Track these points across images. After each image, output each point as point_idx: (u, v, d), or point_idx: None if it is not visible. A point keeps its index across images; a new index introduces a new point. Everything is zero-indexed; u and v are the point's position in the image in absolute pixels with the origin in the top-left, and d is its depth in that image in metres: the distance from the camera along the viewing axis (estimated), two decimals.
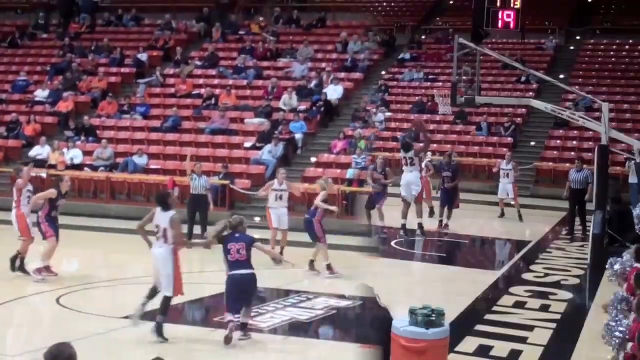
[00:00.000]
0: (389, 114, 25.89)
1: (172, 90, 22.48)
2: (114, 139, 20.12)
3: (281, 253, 12.19)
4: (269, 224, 13.05)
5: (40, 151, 19.20)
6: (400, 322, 5.20)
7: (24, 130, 20.62)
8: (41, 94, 22.40)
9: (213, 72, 23.30)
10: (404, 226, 13.88)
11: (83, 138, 19.90)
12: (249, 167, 18.40)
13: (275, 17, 26.19)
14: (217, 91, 21.76)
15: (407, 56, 30.03)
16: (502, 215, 17.83)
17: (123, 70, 23.94)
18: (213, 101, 21.16)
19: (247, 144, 19.30)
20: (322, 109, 20.98)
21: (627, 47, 28.49)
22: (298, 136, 19.60)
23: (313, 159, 18.96)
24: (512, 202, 18.13)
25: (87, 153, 19.08)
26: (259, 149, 18.73)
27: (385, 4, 36.82)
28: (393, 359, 5.17)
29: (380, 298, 5.45)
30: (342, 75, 23.53)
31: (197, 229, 13.96)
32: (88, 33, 26.18)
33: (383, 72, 29.35)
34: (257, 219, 14.64)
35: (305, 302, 10.22)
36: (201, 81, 22.78)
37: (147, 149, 19.26)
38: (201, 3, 26.73)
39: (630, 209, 14.05)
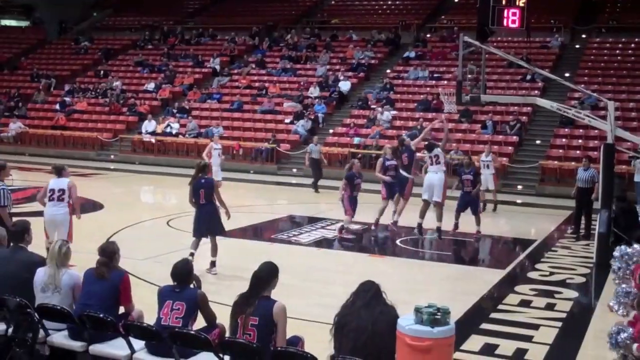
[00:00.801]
0: (394, 112, 25.99)
1: (236, 83, 30.72)
2: (198, 116, 28.27)
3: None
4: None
5: (148, 125, 27.71)
6: (406, 321, 5.18)
7: (138, 109, 29.42)
8: (149, 85, 31.42)
9: (263, 71, 31.28)
10: (419, 225, 13.73)
11: (179, 115, 28.22)
12: (288, 135, 26.06)
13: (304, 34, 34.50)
14: (266, 84, 29.70)
15: (412, 54, 30.13)
16: (484, 208, 17.76)
17: (203, 70, 32.32)
18: (263, 91, 29.23)
19: (287, 120, 27.01)
20: (337, 97, 28.06)
21: (632, 45, 28.37)
22: (320, 115, 27.04)
23: (331, 131, 26.16)
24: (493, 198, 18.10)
25: (181, 125, 27.51)
26: (295, 123, 26.15)
27: (390, 3, 36.87)
28: (398, 358, 5.17)
29: (386, 295, 5.43)
30: (350, 74, 29.69)
31: None
32: (179, 45, 35.42)
33: (388, 71, 29.50)
34: (294, 170, 24.22)
35: (330, 226, 15.19)
36: (255, 77, 30.78)
37: (220, 123, 27.16)
38: (254, 24, 35.53)
39: (635, 207, 14.09)
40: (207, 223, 10.74)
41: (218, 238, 10.92)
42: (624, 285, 7.49)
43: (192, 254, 10.38)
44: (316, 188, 21.07)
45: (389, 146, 15.84)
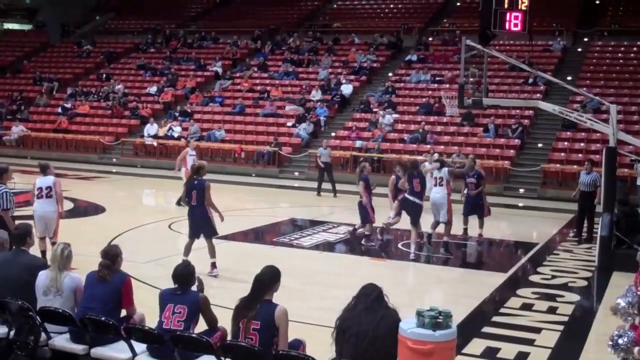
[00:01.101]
0: (395, 115, 26.00)
1: (238, 87, 30.74)
2: (200, 119, 28.27)
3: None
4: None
5: (150, 128, 27.76)
6: (407, 324, 5.18)
7: (140, 113, 29.47)
8: (152, 89, 31.35)
9: (265, 75, 31.22)
10: (429, 235, 13.53)
11: (181, 118, 28.30)
12: (290, 139, 26.10)
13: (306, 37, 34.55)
14: (268, 88, 29.74)
15: (414, 58, 30.14)
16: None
17: (205, 73, 32.41)
18: (265, 95, 29.33)
19: (289, 123, 27.01)
20: (338, 100, 28.11)
21: (634, 48, 28.37)
22: (322, 118, 27.06)
23: (333, 134, 26.24)
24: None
25: (183, 129, 27.47)
26: (297, 126, 26.20)
27: (392, 6, 36.89)
28: None
29: (388, 298, 5.43)
30: (352, 77, 29.69)
31: None
32: (182, 48, 35.47)
33: (390, 74, 29.51)
34: (296, 174, 24.53)
35: (332, 229, 15.28)
36: (257, 81, 30.82)
37: (222, 126, 27.18)
38: (256, 27, 35.58)
39: (637, 210, 14.05)
40: (197, 225, 10.81)
41: (218, 241, 10.92)
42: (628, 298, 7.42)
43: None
44: (334, 192, 20.54)
45: (400, 163, 14.69)
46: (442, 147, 23.00)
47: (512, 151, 23.09)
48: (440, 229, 13.51)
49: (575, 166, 20.74)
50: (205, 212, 10.75)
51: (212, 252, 10.81)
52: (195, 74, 32.30)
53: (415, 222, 12.87)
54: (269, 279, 5.79)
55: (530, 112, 24.65)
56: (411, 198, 12.79)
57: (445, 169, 13.46)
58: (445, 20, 33.94)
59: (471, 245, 14.55)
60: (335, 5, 38.54)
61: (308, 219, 16.80)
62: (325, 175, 20.99)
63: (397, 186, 13.62)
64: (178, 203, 16.57)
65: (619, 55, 28.44)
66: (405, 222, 14.04)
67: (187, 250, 10.86)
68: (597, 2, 32.83)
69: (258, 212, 17.58)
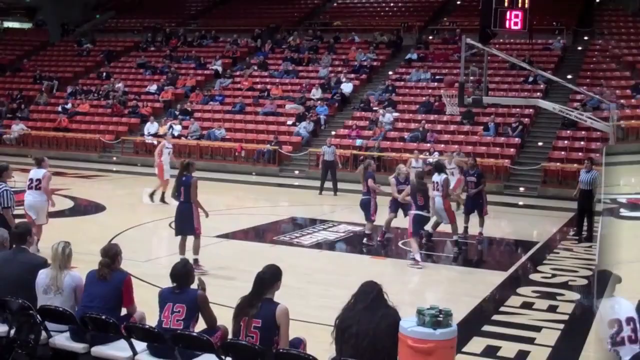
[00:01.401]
0: (395, 114, 26.00)
1: (238, 85, 30.84)
2: (200, 118, 28.36)
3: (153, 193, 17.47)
4: (161, 176, 17.45)
5: (150, 127, 27.73)
6: (408, 322, 5.19)
7: (140, 111, 29.57)
8: (152, 87, 31.45)
9: (265, 73, 31.30)
10: (429, 235, 13.61)
11: (181, 117, 28.33)
12: (290, 137, 26.16)
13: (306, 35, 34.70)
14: (268, 86, 29.77)
15: (414, 56, 30.15)
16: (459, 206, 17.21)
17: (205, 72, 32.46)
18: (265, 93, 29.36)
19: (289, 122, 27.06)
20: (339, 99, 28.10)
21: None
22: (322, 117, 27.17)
23: (333, 132, 26.07)
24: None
25: (184, 127, 27.61)
26: (297, 125, 26.31)
27: (392, 4, 36.88)
28: (400, 359, 5.17)
29: (388, 296, 5.43)
30: (352, 75, 29.69)
31: None
32: (182, 46, 35.57)
33: (390, 72, 29.50)
34: (296, 172, 24.48)
35: (332, 228, 15.36)
36: (257, 79, 30.91)
37: (222, 124, 27.22)
38: (256, 26, 35.57)
39: None
40: (182, 221, 10.86)
41: (219, 239, 10.91)
42: None
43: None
44: (335, 191, 20.44)
45: (404, 168, 14.15)
46: (442, 145, 23.01)
47: (512, 150, 23.08)
48: (447, 228, 13.53)
49: (575, 165, 20.72)
50: (191, 210, 10.77)
51: (196, 250, 10.81)
52: (196, 73, 32.32)
53: (418, 232, 12.75)
54: (270, 277, 5.80)
55: (531, 110, 24.64)
56: (420, 212, 12.34)
57: (444, 176, 13.37)
58: (445, 19, 33.93)
59: (471, 244, 14.55)
60: (335, 4, 38.53)
61: (308, 218, 16.80)
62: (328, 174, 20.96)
63: (396, 187, 13.48)
64: (162, 200, 16.65)
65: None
66: (404, 221, 14.04)
67: (182, 248, 10.86)
68: (597, 0, 32.80)
69: (258, 211, 17.56)
